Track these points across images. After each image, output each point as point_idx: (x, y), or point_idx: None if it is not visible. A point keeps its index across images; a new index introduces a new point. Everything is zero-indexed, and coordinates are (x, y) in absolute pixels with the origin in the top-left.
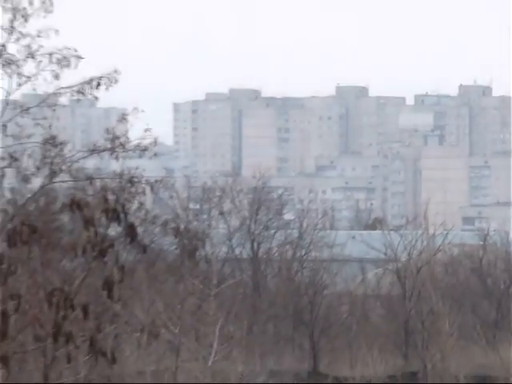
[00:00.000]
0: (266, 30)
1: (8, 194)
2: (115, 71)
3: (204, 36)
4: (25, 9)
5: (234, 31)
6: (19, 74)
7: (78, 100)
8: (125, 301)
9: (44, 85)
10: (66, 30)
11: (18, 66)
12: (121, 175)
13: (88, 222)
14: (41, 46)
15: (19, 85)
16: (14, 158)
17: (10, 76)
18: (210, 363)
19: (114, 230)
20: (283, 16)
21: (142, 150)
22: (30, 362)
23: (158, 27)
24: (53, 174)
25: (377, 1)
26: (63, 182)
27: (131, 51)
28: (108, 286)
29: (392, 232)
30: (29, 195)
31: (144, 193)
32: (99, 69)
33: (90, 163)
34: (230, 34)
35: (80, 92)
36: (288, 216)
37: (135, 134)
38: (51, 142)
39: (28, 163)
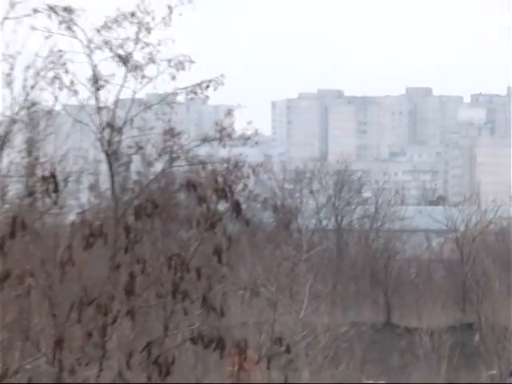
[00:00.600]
0: (347, 35)
1: (135, 177)
2: (221, 75)
3: (297, 42)
4: (148, 23)
5: (320, 37)
6: (143, 77)
7: (192, 98)
8: (231, 265)
9: (163, 85)
10: (181, 38)
11: (142, 70)
12: (228, 161)
13: (201, 200)
14: (159, 52)
15: (143, 86)
16: (139, 147)
17: (136, 78)
18: (301, 316)
19: (223, 206)
20: (359, 23)
21: (245, 140)
22: (152, 315)
23: (257, 35)
24: (172, 159)
25: (437, 8)
26: (180, 166)
27: (238, 55)
28: (217, 252)
29: (452, 207)
30: (152, 177)
31: (247, 175)
32: (210, 70)
33: (203, 151)
34: (317, 41)
35: (193, 92)
36: (366, 194)
37: (239, 126)
38: (170, 133)
39: (151, 151)
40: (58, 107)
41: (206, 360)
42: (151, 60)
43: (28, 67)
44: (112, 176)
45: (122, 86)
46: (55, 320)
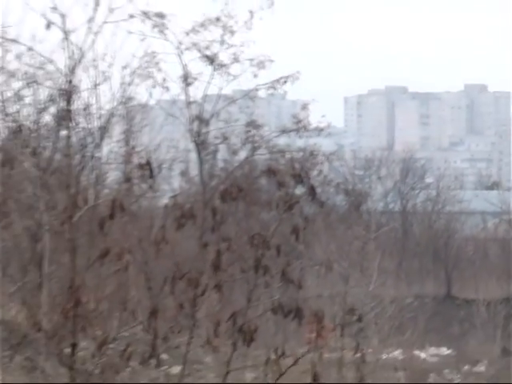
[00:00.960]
0: (410, 36)
1: (221, 164)
2: (297, 72)
3: (366, 42)
4: (231, 27)
5: (387, 37)
6: (228, 75)
7: (272, 94)
8: (307, 243)
9: (246, 82)
10: (261, 39)
11: (227, 69)
12: (304, 150)
13: (280, 185)
14: (242, 52)
15: (228, 82)
16: (225, 137)
17: (222, 76)
18: (370, 289)
19: (300, 191)
20: (424, 22)
21: (319, 131)
22: (236, 288)
23: (330, 36)
24: (254, 149)
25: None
26: (261, 155)
27: (313, 55)
28: (295, 231)
29: (506, 192)
30: (236, 165)
31: (321, 162)
32: (288, 68)
33: (281, 141)
34: (384, 41)
35: (272, 87)
36: (428, 180)
37: (315, 119)
38: (252, 125)
39: (235, 141)
40: (152, 102)
41: (285, 328)
42: (235, 59)
43: (125, 67)
44: (200, 163)
45: (209, 83)
46: (150, 292)
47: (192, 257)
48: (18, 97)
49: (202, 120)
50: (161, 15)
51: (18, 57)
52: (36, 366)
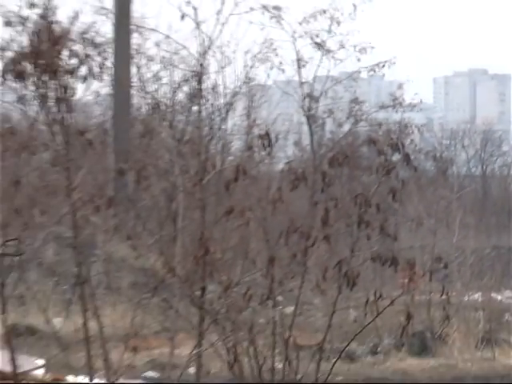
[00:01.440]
0: (490, 22)
1: (328, 135)
2: (394, 57)
3: (452, 29)
4: (337, 18)
5: (470, 24)
6: (335, 59)
7: (372, 75)
8: (402, 202)
9: (350, 65)
10: (363, 27)
11: (333, 54)
12: (399, 123)
13: (379, 152)
14: (348, 40)
15: (335, 66)
16: (331, 112)
17: (329, 60)
18: (454, 241)
19: (396, 157)
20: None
21: (412, 107)
22: (341, 241)
23: (421, 23)
24: (356, 122)
25: None
26: (363, 127)
27: (408, 41)
28: (392, 192)
29: None
30: (341, 135)
31: (414, 134)
32: (386, 52)
33: (380, 115)
34: (468, 27)
35: (372, 70)
36: (505, 148)
37: (408, 96)
38: (355, 101)
39: (340, 115)
40: (269, 82)
41: (382, 275)
42: (341, 46)
43: (247, 52)
44: (311, 134)
45: (318, 66)
46: (268, 244)
47: (304, 214)
48: (157, 78)
49: (312, 97)
50: (277, 8)
51: (157, 44)
52: (171, 307)
